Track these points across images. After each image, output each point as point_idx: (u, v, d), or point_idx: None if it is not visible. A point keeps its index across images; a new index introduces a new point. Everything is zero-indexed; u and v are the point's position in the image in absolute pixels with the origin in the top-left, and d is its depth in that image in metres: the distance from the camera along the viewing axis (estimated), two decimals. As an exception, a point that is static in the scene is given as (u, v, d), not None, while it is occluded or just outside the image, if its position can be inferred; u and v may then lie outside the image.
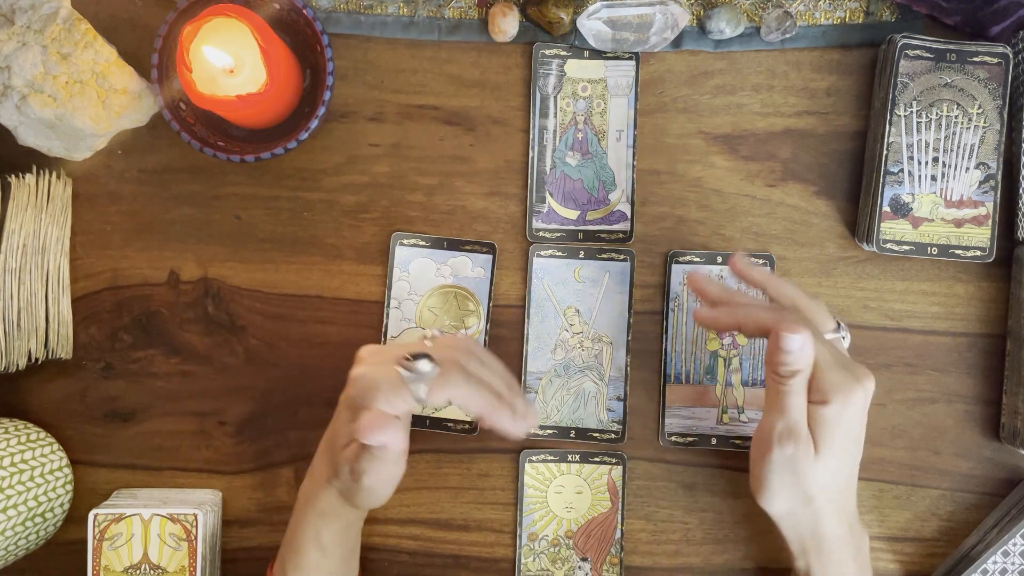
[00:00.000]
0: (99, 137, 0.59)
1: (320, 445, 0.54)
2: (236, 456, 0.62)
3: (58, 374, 0.62)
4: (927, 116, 0.58)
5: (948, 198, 0.58)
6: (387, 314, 0.61)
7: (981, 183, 0.58)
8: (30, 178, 0.60)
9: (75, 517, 0.61)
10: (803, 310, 0.53)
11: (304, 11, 0.56)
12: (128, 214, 0.62)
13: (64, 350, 0.61)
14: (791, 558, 0.54)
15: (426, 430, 0.61)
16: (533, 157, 0.61)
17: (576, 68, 0.61)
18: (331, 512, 0.53)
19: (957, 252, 0.58)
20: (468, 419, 0.61)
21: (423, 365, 0.47)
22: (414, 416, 0.61)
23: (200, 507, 0.57)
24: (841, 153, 0.61)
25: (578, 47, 0.61)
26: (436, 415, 0.61)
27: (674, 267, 0.61)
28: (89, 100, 0.56)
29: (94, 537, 0.56)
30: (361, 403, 0.48)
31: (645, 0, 0.57)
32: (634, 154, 0.61)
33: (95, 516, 0.56)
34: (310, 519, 0.53)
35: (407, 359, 0.47)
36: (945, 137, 0.58)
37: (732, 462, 0.62)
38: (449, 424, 0.61)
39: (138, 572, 0.57)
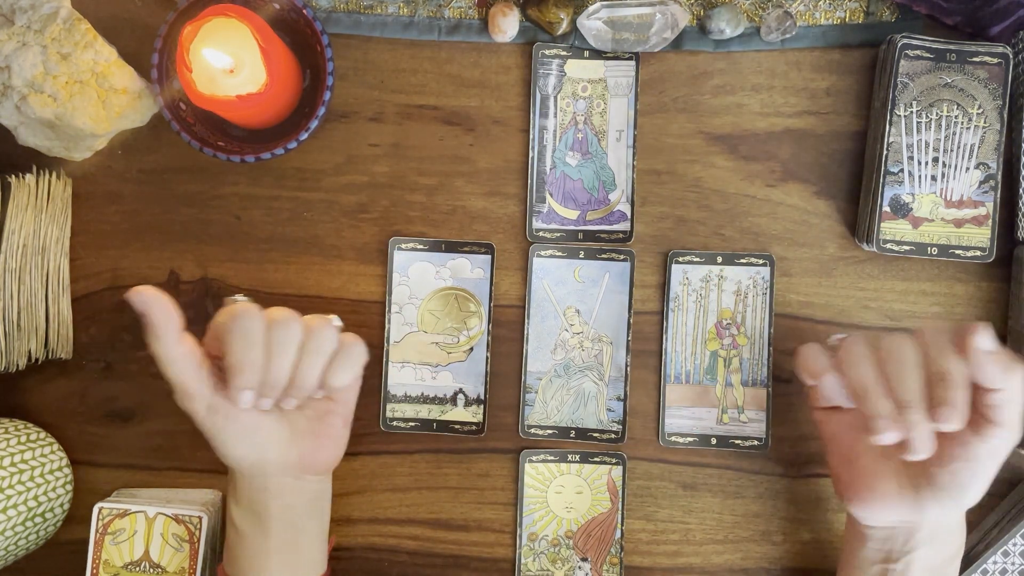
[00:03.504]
0: (99, 137, 0.59)
1: None
2: (236, 456, 0.62)
3: (58, 374, 0.62)
4: (927, 116, 0.58)
5: (948, 198, 0.58)
6: (388, 319, 0.61)
7: (981, 183, 0.58)
8: (30, 178, 0.60)
9: (75, 517, 0.61)
10: None
11: (304, 11, 0.56)
12: (128, 214, 0.62)
13: (64, 350, 0.61)
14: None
15: (431, 433, 0.61)
16: (533, 157, 0.61)
17: (576, 68, 0.61)
18: (235, 492, 0.52)
19: (957, 252, 0.58)
20: (475, 420, 0.61)
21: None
22: (420, 419, 0.61)
23: (204, 507, 0.57)
24: (841, 153, 0.61)
25: (578, 47, 0.61)
26: (443, 418, 0.61)
27: (674, 267, 0.61)
28: (89, 100, 0.56)
29: (96, 531, 0.56)
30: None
31: (645, 0, 0.57)
32: (634, 154, 0.61)
33: (100, 509, 0.57)
34: (228, 499, 0.53)
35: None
36: (945, 137, 0.58)
37: (732, 462, 0.62)
38: (456, 426, 0.61)
39: (137, 569, 0.57)
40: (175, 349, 0.47)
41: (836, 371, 0.51)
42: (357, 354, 0.50)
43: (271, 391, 0.47)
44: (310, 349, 0.48)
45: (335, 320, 0.50)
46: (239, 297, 0.50)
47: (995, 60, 0.57)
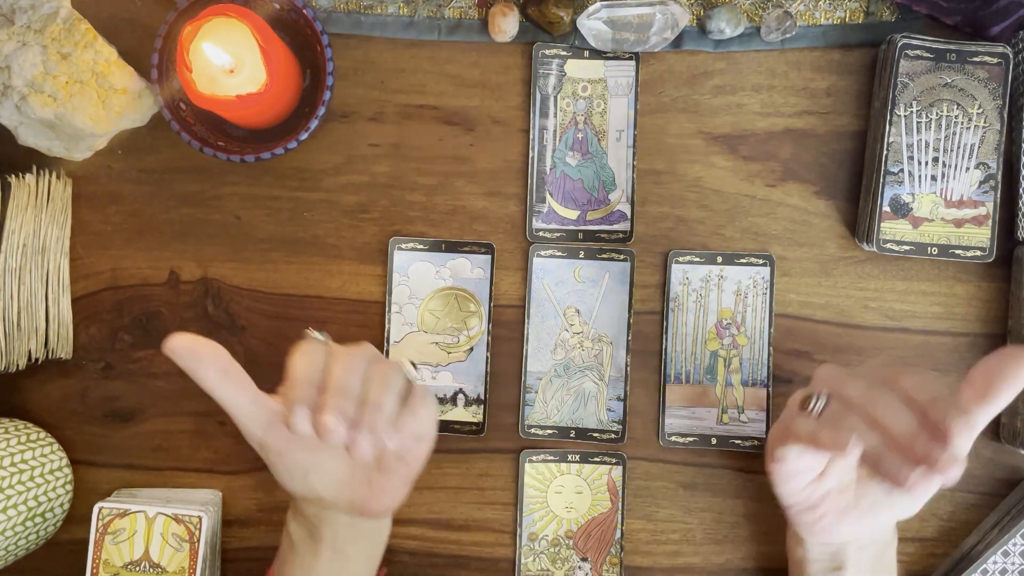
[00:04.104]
0: (99, 137, 0.59)
1: None
2: (236, 456, 0.62)
3: (58, 374, 0.62)
4: (927, 116, 0.58)
5: (948, 198, 0.58)
6: (388, 319, 0.61)
7: (981, 183, 0.58)
8: (30, 178, 0.60)
9: (75, 517, 0.61)
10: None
11: (304, 11, 0.56)
12: (128, 214, 0.62)
13: (64, 350, 0.61)
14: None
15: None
16: (533, 157, 0.61)
17: (576, 68, 0.61)
18: (294, 506, 0.53)
19: (957, 252, 0.58)
20: (475, 420, 0.61)
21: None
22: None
23: (204, 507, 0.57)
24: (841, 153, 0.61)
25: (578, 47, 0.61)
26: (443, 418, 0.61)
27: (674, 267, 0.61)
28: (89, 100, 0.56)
29: (96, 530, 0.56)
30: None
31: (645, 0, 0.57)
32: (634, 154, 0.61)
33: (100, 509, 0.57)
34: (289, 510, 0.53)
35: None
36: (945, 137, 0.58)
37: (732, 462, 0.62)
38: (456, 426, 0.61)
39: (137, 569, 0.57)
40: (220, 386, 0.47)
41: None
42: (431, 401, 0.48)
43: (334, 417, 0.43)
44: (375, 379, 0.45)
45: (407, 364, 0.48)
46: (316, 334, 0.48)
47: (995, 60, 0.57)
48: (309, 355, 0.45)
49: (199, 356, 0.46)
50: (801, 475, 0.50)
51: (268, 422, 0.48)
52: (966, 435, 0.42)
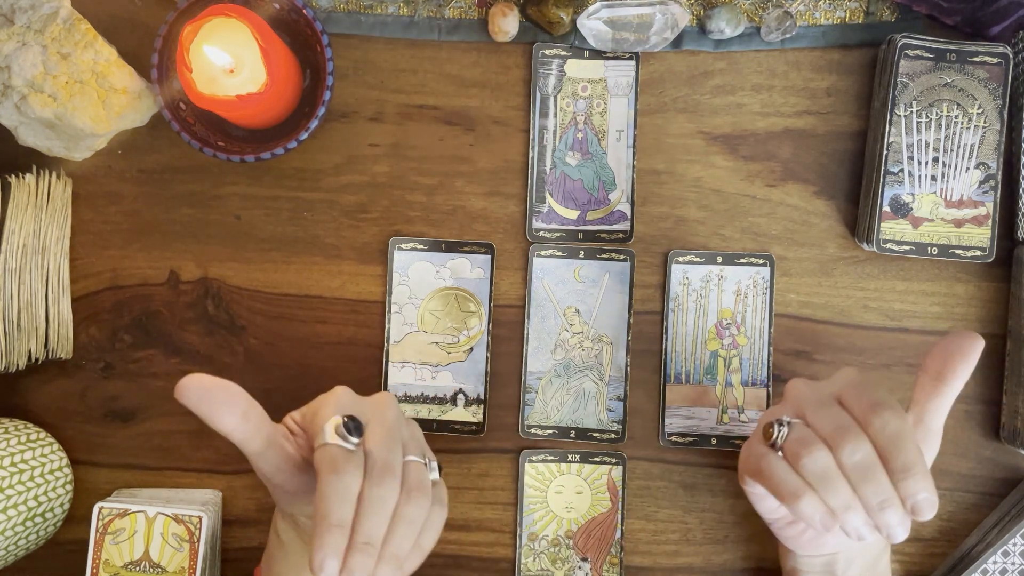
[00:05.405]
0: (99, 137, 0.59)
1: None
2: (236, 456, 0.62)
3: (58, 374, 0.62)
4: (927, 116, 0.58)
5: (948, 198, 0.58)
6: (388, 319, 0.61)
7: (981, 183, 0.58)
8: (30, 178, 0.60)
9: (75, 517, 0.61)
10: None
11: (304, 11, 0.56)
12: (128, 214, 0.62)
13: (64, 350, 0.61)
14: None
15: (431, 433, 0.61)
16: (533, 157, 0.61)
17: (576, 68, 0.61)
18: (282, 508, 0.51)
19: (957, 252, 0.58)
20: (475, 420, 0.61)
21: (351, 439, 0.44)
22: (420, 419, 0.61)
23: (204, 507, 0.57)
24: (841, 153, 0.61)
25: (578, 47, 0.61)
26: (443, 418, 0.61)
27: (674, 267, 0.61)
28: (89, 100, 0.56)
29: (96, 530, 0.56)
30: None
31: (645, 0, 0.57)
32: (634, 154, 0.61)
33: (100, 509, 0.57)
34: (277, 512, 0.52)
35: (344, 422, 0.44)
36: (945, 137, 0.58)
37: (732, 462, 0.62)
38: (456, 426, 0.61)
39: (137, 569, 0.57)
40: (238, 431, 0.45)
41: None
42: (442, 516, 0.47)
43: (359, 561, 0.41)
44: (404, 516, 0.43)
45: (434, 466, 0.47)
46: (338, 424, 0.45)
47: (995, 60, 0.57)
48: (341, 491, 0.42)
49: (212, 399, 0.44)
50: (772, 498, 0.50)
51: (281, 465, 0.46)
52: (927, 505, 0.42)
